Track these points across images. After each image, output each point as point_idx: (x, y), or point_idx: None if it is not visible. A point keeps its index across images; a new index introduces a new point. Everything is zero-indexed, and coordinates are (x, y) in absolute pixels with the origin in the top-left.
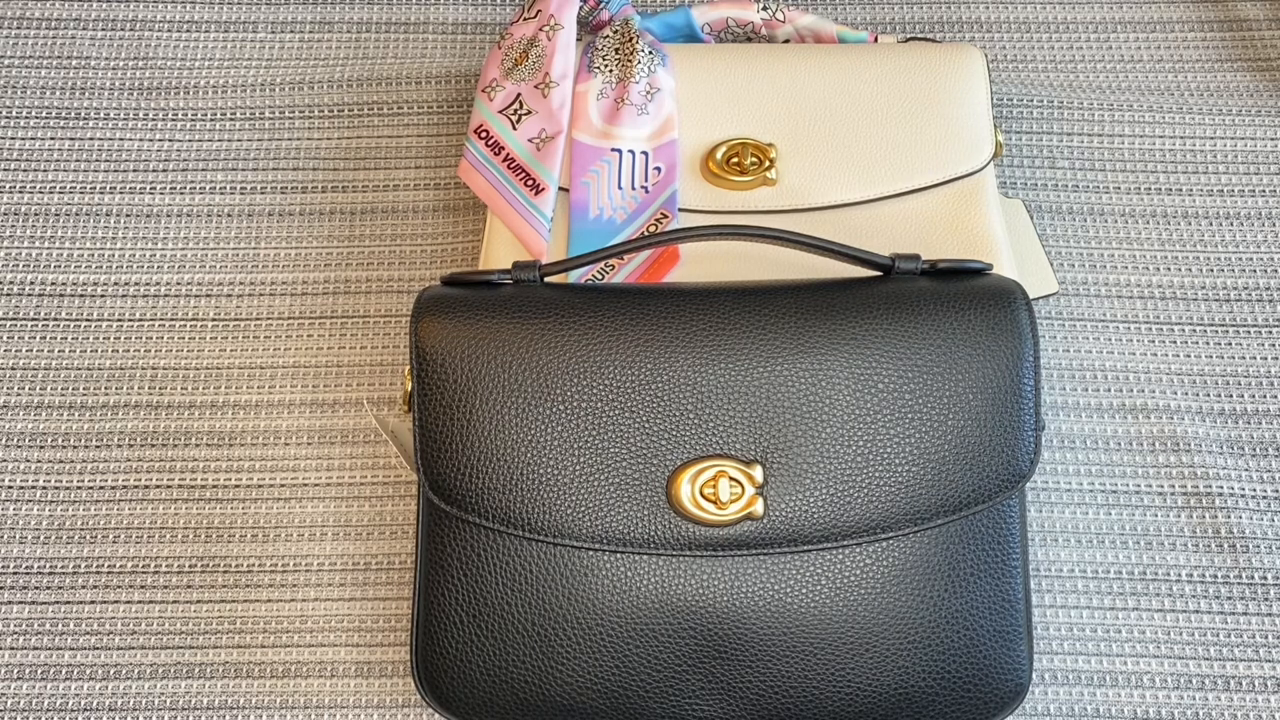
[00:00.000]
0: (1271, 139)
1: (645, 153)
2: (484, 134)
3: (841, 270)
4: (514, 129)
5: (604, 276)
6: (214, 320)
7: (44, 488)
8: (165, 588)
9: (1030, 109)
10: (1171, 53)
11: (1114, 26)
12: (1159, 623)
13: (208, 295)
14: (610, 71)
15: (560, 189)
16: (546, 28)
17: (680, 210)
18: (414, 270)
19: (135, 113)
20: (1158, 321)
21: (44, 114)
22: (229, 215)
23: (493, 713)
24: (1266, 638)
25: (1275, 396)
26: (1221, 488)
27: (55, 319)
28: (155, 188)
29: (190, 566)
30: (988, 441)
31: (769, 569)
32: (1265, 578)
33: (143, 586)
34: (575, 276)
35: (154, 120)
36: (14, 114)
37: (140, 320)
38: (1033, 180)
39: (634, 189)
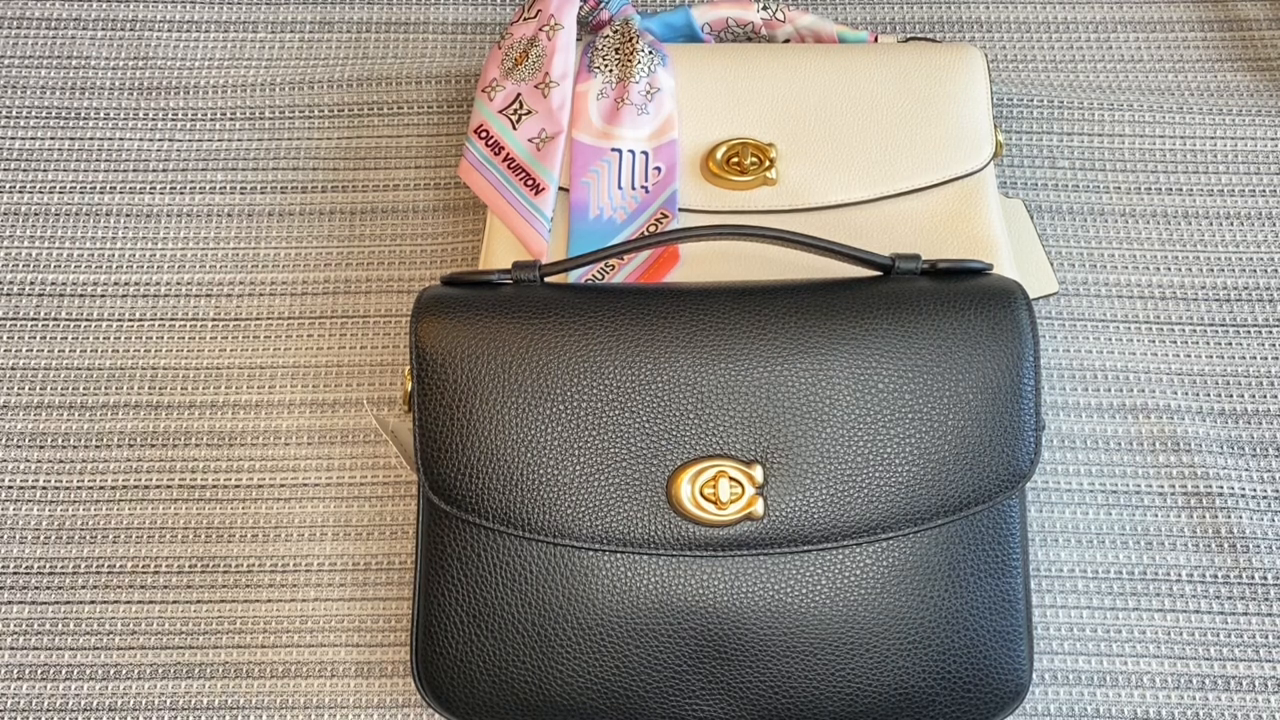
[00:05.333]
0: (1271, 139)
1: (645, 152)
2: (484, 134)
3: (841, 270)
4: (514, 129)
5: (604, 276)
6: (214, 320)
7: (44, 488)
8: (165, 588)
9: (1030, 109)
10: (1171, 53)
11: (1114, 26)
12: (1159, 623)
13: (208, 295)
14: (610, 71)
15: (560, 189)
16: (546, 28)
17: (680, 210)
18: (414, 270)
19: (135, 113)
20: (1158, 321)
21: (44, 114)
22: (229, 215)
23: (493, 713)
24: (1266, 638)
25: (1275, 396)
26: (1221, 488)
27: (55, 319)
28: (155, 188)
29: (190, 566)
30: (988, 441)
31: (769, 569)
32: (1265, 578)
33: (143, 586)
34: (575, 276)
35: (154, 120)
36: (14, 114)
37: (140, 320)
38: (1033, 180)
39: (634, 189)
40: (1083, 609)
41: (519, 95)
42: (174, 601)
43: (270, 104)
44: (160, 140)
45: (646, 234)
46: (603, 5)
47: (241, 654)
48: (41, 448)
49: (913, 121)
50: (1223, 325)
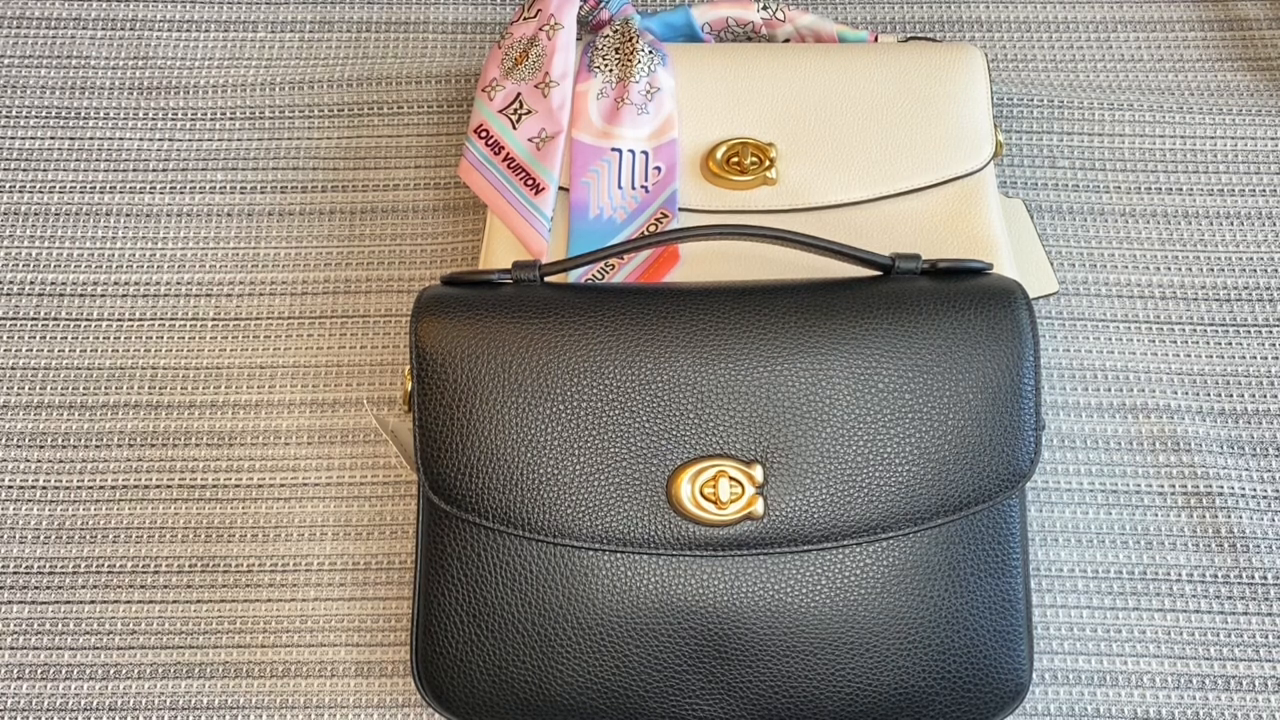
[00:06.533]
0: (1271, 139)
1: (645, 152)
2: (484, 133)
3: (841, 270)
4: (514, 128)
5: (604, 276)
6: (214, 320)
7: (44, 488)
8: (165, 588)
9: (1030, 109)
10: (1172, 52)
11: (1114, 26)
12: (1159, 623)
13: (208, 295)
14: (610, 71)
15: (560, 189)
16: (546, 27)
17: (680, 210)
18: (414, 270)
19: (135, 113)
20: (1158, 321)
21: (44, 114)
22: (229, 215)
23: (493, 713)
24: (1266, 638)
25: (1275, 396)
26: (1221, 488)
27: (55, 319)
28: (155, 188)
29: (190, 566)
30: (988, 441)
31: (769, 569)
32: (1265, 578)
33: (143, 586)
34: (575, 276)
35: (154, 120)
36: (14, 114)
37: (140, 320)
38: (1033, 180)
39: (634, 188)
40: (1083, 609)
41: (519, 95)
42: (174, 601)
43: (270, 104)
44: (160, 140)
45: (646, 234)
46: (603, 5)
47: (241, 654)
48: (41, 448)
49: (913, 121)
50: (1223, 325)
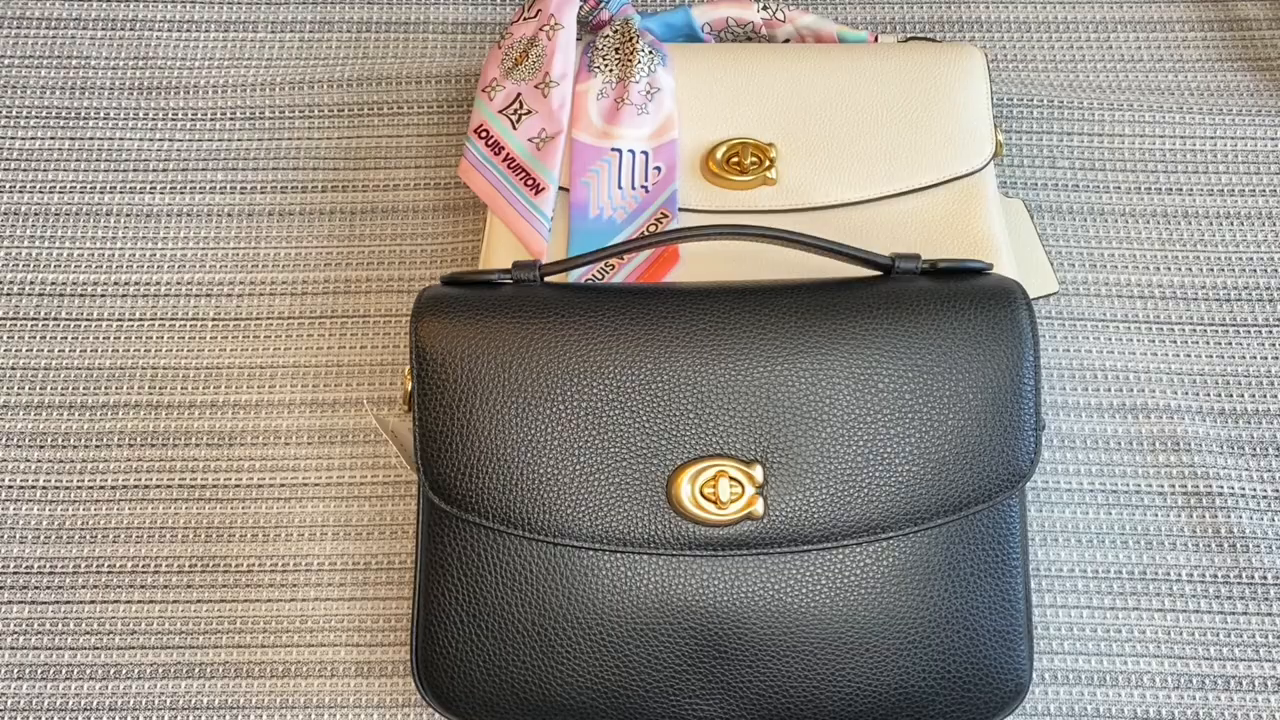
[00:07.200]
0: (1271, 139)
1: (645, 152)
2: (484, 134)
3: (841, 270)
4: (514, 129)
5: (604, 276)
6: (214, 320)
7: (44, 488)
8: (165, 588)
9: (1030, 109)
10: (1171, 52)
11: (1114, 26)
12: (1159, 623)
13: (208, 295)
14: (610, 71)
15: (560, 189)
16: (546, 27)
17: (680, 210)
18: (414, 270)
19: (135, 113)
20: (1158, 321)
21: (44, 114)
22: (229, 215)
23: (493, 713)
24: (1266, 638)
25: (1275, 396)
26: (1221, 488)
27: (55, 319)
28: (155, 188)
29: (190, 566)
30: (988, 441)
31: (769, 569)
32: (1265, 578)
33: (143, 586)
34: (575, 276)
35: (154, 120)
36: (14, 114)
37: (140, 320)
38: (1033, 180)
39: (634, 188)
40: (1083, 609)
41: (519, 95)
42: (174, 601)
43: (270, 104)
44: (160, 140)
45: (646, 234)
46: (603, 5)
47: (241, 654)
48: (41, 448)
49: (913, 121)
50: (1223, 325)
